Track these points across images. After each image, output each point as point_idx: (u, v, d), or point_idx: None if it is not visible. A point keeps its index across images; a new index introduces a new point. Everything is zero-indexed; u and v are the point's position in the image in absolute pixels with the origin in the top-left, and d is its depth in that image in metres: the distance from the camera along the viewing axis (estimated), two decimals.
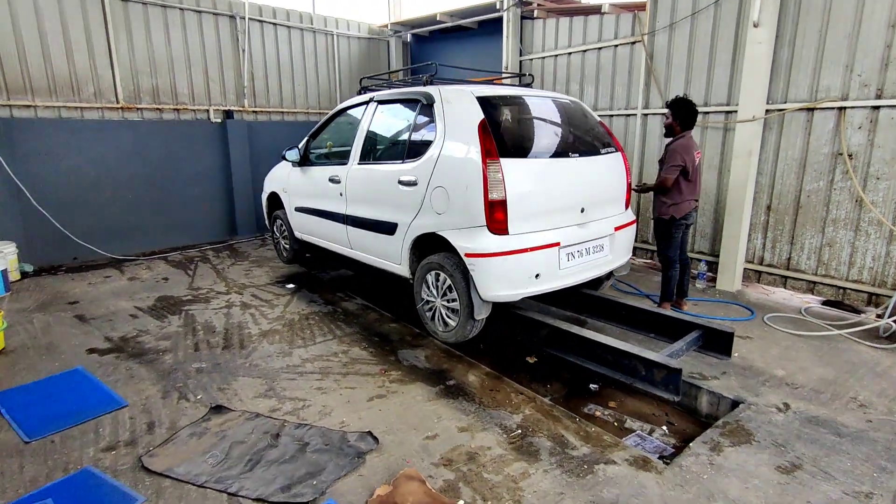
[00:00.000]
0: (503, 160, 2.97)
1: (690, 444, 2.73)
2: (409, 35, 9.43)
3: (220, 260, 6.55)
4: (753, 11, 4.49)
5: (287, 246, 5.39)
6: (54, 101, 6.08)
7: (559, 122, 3.50)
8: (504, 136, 3.06)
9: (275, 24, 7.80)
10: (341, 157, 4.27)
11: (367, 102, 4.07)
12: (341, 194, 4.09)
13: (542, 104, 3.51)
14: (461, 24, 8.18)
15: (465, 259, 3.04)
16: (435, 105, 3.33)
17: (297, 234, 5.08)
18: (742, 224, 4.87)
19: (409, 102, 3.66)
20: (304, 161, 4.73)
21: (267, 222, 5.84)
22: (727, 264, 5.03)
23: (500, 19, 7.66)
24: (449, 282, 3.23)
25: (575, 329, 3.16)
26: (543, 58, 6.81)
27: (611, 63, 6.03)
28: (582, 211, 3.38)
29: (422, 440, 2.73)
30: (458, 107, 3.21)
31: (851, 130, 4.24)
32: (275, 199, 5.52)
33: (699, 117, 5.16)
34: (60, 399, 3.11)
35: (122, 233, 6.66)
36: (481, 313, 3.15)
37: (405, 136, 3.58)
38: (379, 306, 4.84)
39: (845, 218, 4.36)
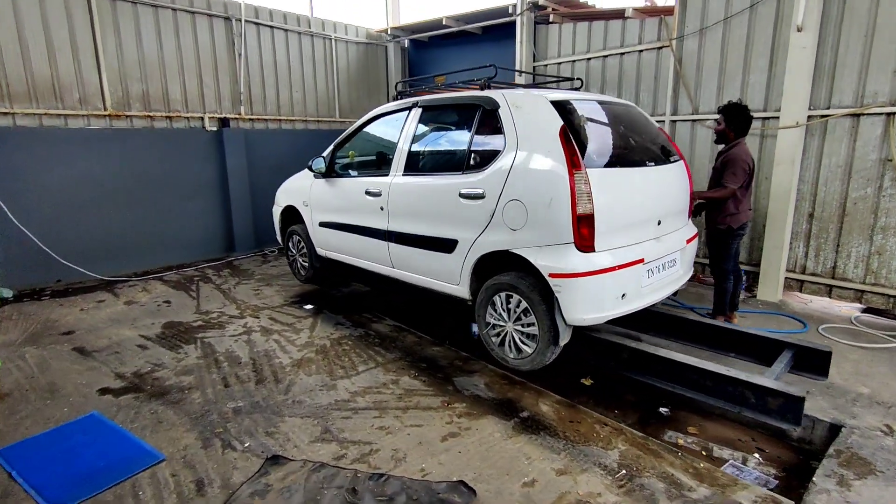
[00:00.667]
0: (588, 170, 2.70)
1: (815, 480, 2.49)
2: (406, 41, 9.14)
3: (222, 279, 6.05)
4: (797, 15, 4.39)
5: (306, 264, 4.97)
6: (35, 108, 5.50)
7: (629, 128, 3.26)
8: (583, 143, 2.79)
9: (272, 26, 7.38)
10: (378, 168, 3.92)
11: (408, 108, 3.73)
12: (382, 208, 3.73)
13: (609, 109, 3.26)
14: (467, 28, 7.94)
15: (549, 280, 2.74)
16: (500, 111, 3.04)
17: (321, 251, 4.68)
18: (785, 233, 4.75)
19: (463, 108, 3.35)
20: (330, 172, 4.34)
21: (279, 238, 5.40)
22: (769, 274, 4.89)
23: (508, 24, 7.46)
24: (524, 304, 2.92)
25: (663, 352, 2.90)
26: (559, 63, 6.63)
27: (635, 68, 5.88)
28: (658, 223, 3.14)
29: (521, 488, 2.41)
30: (532, 113, 2.93)
31: None
32: (291, 214, 5.10)
33: None
34: (81, 454, 2.64)
35: (110, 252, 6.08)
36: (565, 338, 2.86)
37: (463, 145, 3.27)
38: (413, 327, 4.48)
39: (895, 226, 4.28)
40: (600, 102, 3.31)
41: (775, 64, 4.78)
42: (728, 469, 2.92)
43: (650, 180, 3.09)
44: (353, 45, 8.61)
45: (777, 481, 2.80)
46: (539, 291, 2.85)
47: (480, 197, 3.02)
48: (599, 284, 2.71)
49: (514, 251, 2.91)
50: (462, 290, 3.32)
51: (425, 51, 9.21)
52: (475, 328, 4.59)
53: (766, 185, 4.92)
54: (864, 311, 4.72)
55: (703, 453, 3.08)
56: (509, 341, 3.09)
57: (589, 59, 6.31)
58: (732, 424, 3.34)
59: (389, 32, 8.73)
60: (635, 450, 2.71)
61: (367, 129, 4.20)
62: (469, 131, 3.24)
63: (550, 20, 6.62)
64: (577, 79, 4.19)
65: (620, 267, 2.78)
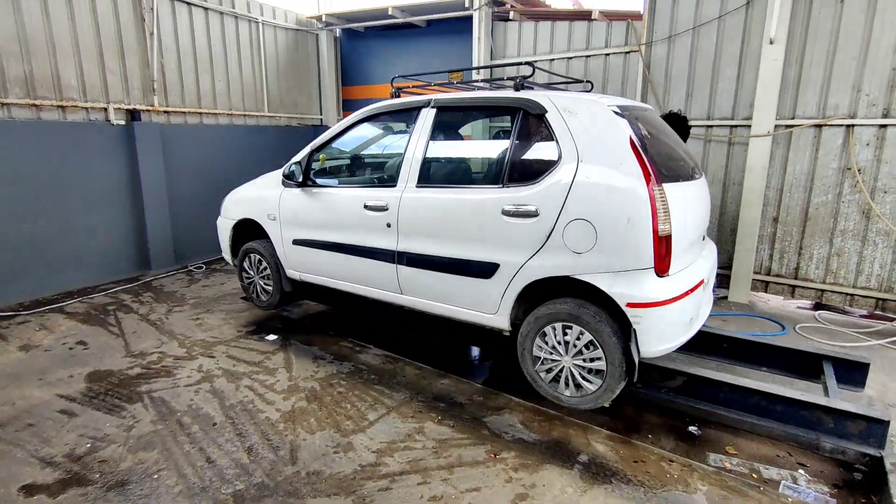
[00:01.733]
0: (665, 185, 2.43)
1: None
2: (338, 30, 8.38)
3: (146, 306, 4.97)
4: (770, 29, 4.55)
5: (269, 288, 4.18)
6: None
7: (669, 137, 3.05)
8: (651, 156, 2.52)
9: (189, 3, 6.26)
10: (379, 178, 3.35)
11: (417, 108, 3.20)
12: (388, 225, 3.17)
13: (644, 116, 3.02)
14: (411, 20, 7.42)
15: (626, 310, 2.43)
16: (549, 117, 2.66)
17: (293, 273, 3.94)
18: (755, 237, 4.95)
19: (497, 111, 2.93)
20: (306, 181, 3.65)
21: (228, 258, 4.52)
22: (740, 276, 5.08)
23: (455, 19, 7.10)
24: (588, 337, 2.58)
25: (729, 378, 2.73)
26: (519, 63, 6.37)
27: (601, 72, 5.82)
28: (703, 239, 2.98)
29: None
30: (590, 120, 2.58)
31: (860, 147, 4.49)
32: (246, 229, 4.27)
33: (702, 130, 5.18)
34: None
35: None
36: (636, 373, 2.56)
37: (500, 154, 2.83)
38: (404, 355, 3.96)
39: (853, 229, 4.62)
40: (633, 108, 3.05)
41: (743, 73, 4.94)
42: (785, 491, 2.85)
43: (697, 195, 2.91)
44: (283, 32, 7.68)
45: (835, 500, 2.78)
46: (608, 322, 2.53)
47: (532, 215, 2.62)
48: (678, 311, 2.46)
49: (577, 277, 2.55)
50: (500, 320, 2.89)
51: (360, 42, 8.52)
52: (475, 353, 4.21)
53: (735, 190, 5.10)
54: (815, 307, 5.09)
55: (753, 476, 2.99)
56: (566, 378, 2.73)
57: (552, 59, 6.15)
58: (762, 440, 3.31)
59: (323, 20, 7.91)
60: (720, 490, 2.51)
61: (356, 130, 3.58)
62: (506, 138, 2.81)
63: (510, 17, 6.35)
64: (588, 81, 3.94)
65: (692, 290, 2.56)
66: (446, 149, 3.16)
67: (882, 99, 4.37)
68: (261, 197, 4.00)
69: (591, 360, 2.62)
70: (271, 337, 4.28)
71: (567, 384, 2.74)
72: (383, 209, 3.18)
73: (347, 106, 8.99)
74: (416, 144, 3.12)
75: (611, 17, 5.77)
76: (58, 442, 2.79)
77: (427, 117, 3.12)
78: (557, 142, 2.61)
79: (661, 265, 2.41)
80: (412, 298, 3.24)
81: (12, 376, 3.53)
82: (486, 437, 2.90)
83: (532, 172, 2.69)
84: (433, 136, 3.11)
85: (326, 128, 8.45)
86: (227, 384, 3.46)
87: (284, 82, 7.80)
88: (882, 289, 4.59)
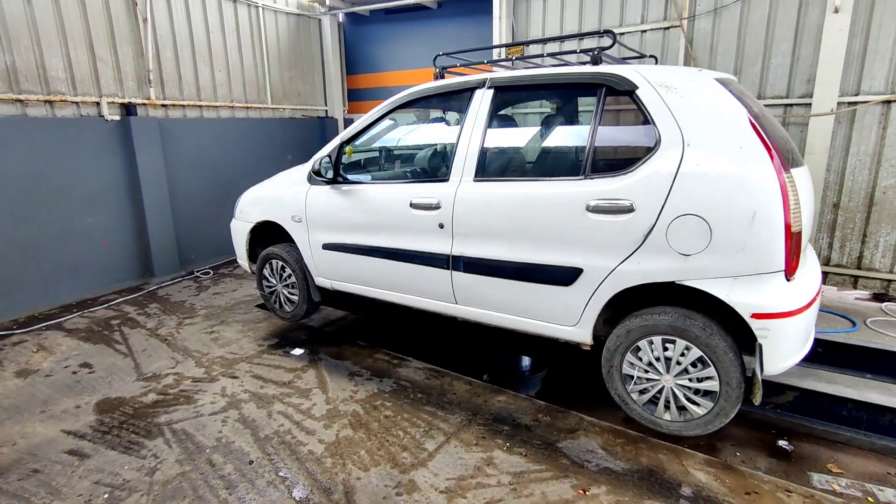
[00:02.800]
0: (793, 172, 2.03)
1: None
2: (341, 14, 7.87)
3: (154, 319, 4.53)
4: None
5: (295, 297, 3.76)
6: None
7: (769, 115, 2.63)
8: (770, 138, 2.11)
9: None
10: (427, 172, 2.93)
11: (470, 89, 2.77)
12: (441, 226, 2.75)
13: (741, 92, 2.59)
14: (423, 1, 6.94)
15: (750, 322, 2.04)
16: (641, 93, 2.24)
17: (323, 281, 3.52)
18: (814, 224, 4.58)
19: (572, 89, 2.52)
20: (336, 177, 3.21)
21: (245, 264, 4.07)
22: None
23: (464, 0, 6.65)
24: (697, 353, 2.19)
25: (853, 393, 2.36)
26: (594, 33, 5.92)
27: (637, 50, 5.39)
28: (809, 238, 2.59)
29: None
30: (695, 96, 2.18)
31: None
32: (266, 232, 3.84)
33: None
34: None
35: None
36: (759, 396, 2.17)
37: (580, 140, 2.44)
38: (449, 368, 3.56)
39: None
40: (728, 80, 2.60)
41: (799, 47, 4.54)
42: None
43: (808, 184, 2.51)
44: (284, 17, 7.16)
45: None
46: (721, 335, 2.13)
47: (627, 210, 2.21)
48: (807, 322, 2.08)
49: (685, 283, 2.15)
50: (580, 333, 2.49)
51: (365, 27, 8.03)
52: (526, 363, 3.81)
53: None
54: (875, 298, 4.74)
55: (869, 500, 2.63)
56: (668, 401, 2.34)
57: (581, 38, 5.70)
58: (864, 454, 2.95)
59: (326, 3, 7.39)
60: None
61: (392, 118, 3.13)
62: (586, 121, 2.39)
63: None
64: (651, 56, 3.51)
65: (817, 296, 2.17)
66: (509, 135, 2.75)
67: None
68: (283, 197, 3.55)
69: (700, 379, 2.23)
70: (297, 351, 3.86)
71: (667, 407, 2.35)
72: (434, 207, 2.75)
73: (353, 96, 8.51)
74: (470, 132, 2.69)
75: None
76: (69, 493, 2.37)
77: (483, 100, 2.69)
78: (654, 123, 2.19)
79: (792, 267, 2.02)
80: (469, 309, 2.83)
81: (11, 409, 3.09)
82: (566, 468, 2.51)
83: (622, 161, 2.28)
84: (491, 122, 2.68)
85: (332, 120, 7.97)
86: (256, 410, 3.04)
87: (287, 72, 7.30)
88: None
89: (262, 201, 3.74)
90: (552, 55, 3.08)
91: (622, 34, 5.44)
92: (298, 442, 2.74)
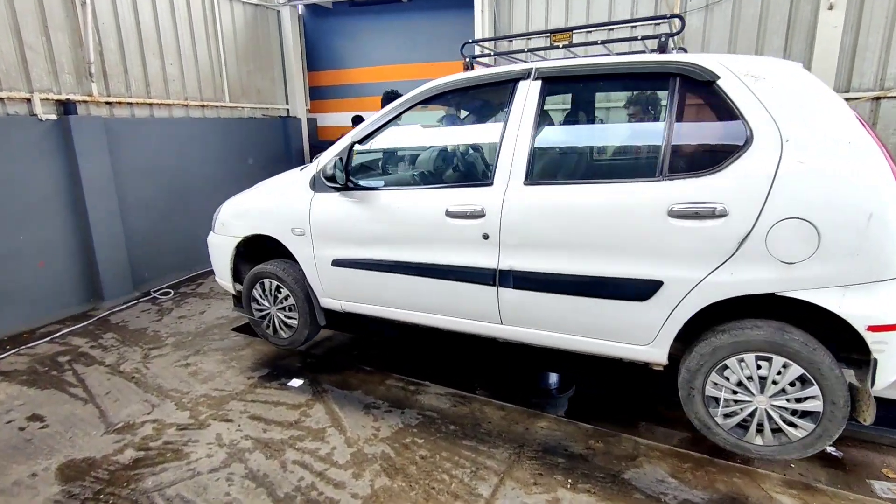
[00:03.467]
0: None
1: None
2: (301, 6, 7.31)
3: (112, 353, 3.86)
4: None
5: (294, 322, 3.27)
6: None
7: None
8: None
9: None
10: (465, 175, 2.58)
11: (514, 81, 2.43)
12: (485, 237, 2.40)
13: None
14: None
15: (866, 335, 1.84)
16: (724, 84, 2.01)
17: (333, 302, 3.06)
18: None
19: (641, 80, 2.25)
20: (347, 182, 2.78)
21: (228, 284, 3.52)
22: None
23: None
24: (799, 371, 1.98)
25: None
26: (510, 38, 5.70)
27: (627, 46, 5.26)
28: None
29: None
30: (788, 86, 1.97)
31: None
32: (255, 247, 3.33)
33: None
34: None
35: None
36: (871, 415, 1.99)
37: (654, 137, 2.17)
38: (471, 390, 3.24)
39: None
40: None
41: (791, 44, 4.56)
42: None
43: None
44: (240, 7, 6.51)
45: None
46: (824, 351, 1.94)
47: (720, 215, 1.96)
48: None
49: (787, 294, 1.93)
50: (654, 353, 2.23)
51: (328, 20, 7.52)
52: (552, 379, 3.54)
53: None
54: None
55: None
56: (761, 424, 2.12)
57: (545, 33, 5.51)
58: None
59: None
60: None
61: (416, 114, 2.74)
62: (661, 115, 2.13)
63: None
64: (680, 48, 3.31)
65: None
66: (563, 133, 2.46)
67: None
68: (279, 206, 3.06)
69: (800, 399, 2.02)
70: (295, 382, 3.38)
71: (759, 431, 2.13)
72: (478, 216, 2.40)
73: (316, 94, 7.96)
74: (517, 129, 2.36)
75: None
76: None
77: (529, 93, 2.37)
78: (743, 116, 1.96)
79: None
80: (519, 330, 2.50)
81: None
82: (639, 502, 2.24)
83: (707, 160, 2.04)
84: (541, 118, 2.36)
85: (294, 119, 7.40)
86: (266, 462, 2.56)
87: (245, 66, 6.65)
88: None
89: (250, 213, 3.23)
90: (606, 42, 2.81)
91: (612, 29, 5.30)
92: (328, 500, 2.30)
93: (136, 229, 5.14)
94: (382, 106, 5.73)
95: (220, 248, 3.40)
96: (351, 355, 4.02)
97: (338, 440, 2.74)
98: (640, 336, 2.23)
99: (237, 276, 3.46)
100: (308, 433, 2.81)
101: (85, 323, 4.42)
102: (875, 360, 1.87)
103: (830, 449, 2.94)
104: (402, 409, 3.05)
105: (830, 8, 4.22)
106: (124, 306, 4.83)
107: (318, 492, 2.35)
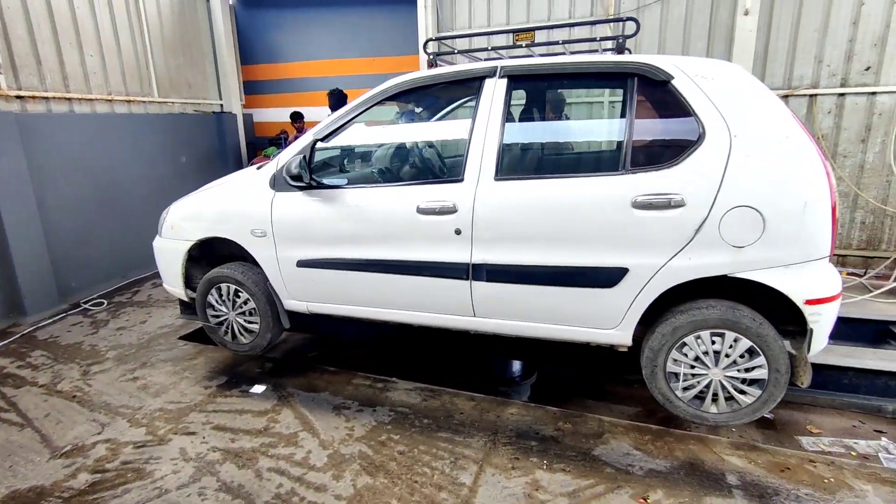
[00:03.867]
0: None
1: None
2: None
3: (44, 372, 3.54)
4: None
5: (255, 326, 3.15)
6: None
7: None
8: None
9: None
10: (433, 171, 2.60)
11: (480, 79, 2.49)
12: (458, 232, 2.45)
13: None
14: None
15: (804, 308, 2.09)
16: (678, 84, 2.18)
17: (300, 304, 2.98)
18: None
19: (601, 79, 2.37)
20: (311, 180, 2.72)
21: (179, 290, 3.32)
22: None
23: None
24: (748, 343, 2.20)
25: (855, 363, 2.58)
26: (471, 36, 5.80)
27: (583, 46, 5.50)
28: None
29: None
30: (733, 86, 2.17)
31: (822, 115, 4.77)
32: (208, 251, 3.17)
33: None
34: None
35: None
36: (808, 379, 2.25)
37: (615, 133, 2.31)
38: (440, 384, 3.29)
39: None
40: None
41: (713, 45, 4.97)
42: (891, 465, 2.82)
43: None
44: None
45: None
46: (769, 325, 2.17)
47: (678, 205, 2.13)
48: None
49: (738, 275, 2.14)
50: (620, 335, 2.39)
51: (262, 11, 7.22)
52: (515, 368, 3.66)
53: None
54: None
55: (852, 454, 2.93)
56: (714, 393, 2.33)
57: (509, 32, 5.66)
58: (828, 412, 3.30)
59: None
60: (881, 486, 2.32)
61: (377, 112, 2.73)
62: (617, 113, 2.27)
63: None
64: (621, 40, 3.43)
65: None
66: (530, 129, 2.53)
67: (841, 69, 4.66)
68: (237, 207, 2.94)
69: (750, 369, 2.25)
70: (258, 388, 3.27)
71: (714, 400, 2.34)
72: (449, 211, 2.44)
73: (251, 88, 7.63)
74: (485, 126, 2.43)
75: None
76: None
77: (496, 90, 2.44)
78: (695, 114, 2.15)
79: (832, 252, 2.11)
80: (492, 321, 2.58)
81: None
82: (615, 477, 2.40)
83: (664, 154, 2.21)
84: (508, 115, 2.44)
85: (230, 115, 7.06)
86: (240, 472, 2.48)
87: (174, 59, 6.25)
88: (841, 245, 4.99)
89: (204, 215, 3.06)
90: (567, 42, 2.92)
91: (551, 27, 5.50)
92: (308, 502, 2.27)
93: (59, 234, 4.71)
94: (329, 105, 5.65)
95: (170, 253, 3.21)
96: (310, 357, 3.94)
97: (312, 443, 2.70)
98: (607, 320, 2.38)
99: (189, 282, 3.28)
100: (280, 439, 2.74)
101: (6, 341, 4.01)
102: (811, 330, 2.13)
103: (768, 414, 3.28)
104: (373, 407, 3.04)
105: (746, 13, 4.64)
106: (51, 320, 4.42)
107: (300, 497, 2.31)
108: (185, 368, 3.55)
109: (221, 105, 7.13)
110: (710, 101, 2.13)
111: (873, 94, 4.61)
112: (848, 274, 4.95)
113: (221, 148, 6.97)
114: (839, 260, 5.05)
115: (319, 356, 4.04)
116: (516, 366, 3.60)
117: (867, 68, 4.59)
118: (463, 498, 2.28)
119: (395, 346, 4.12)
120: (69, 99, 4.90)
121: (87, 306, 4.72)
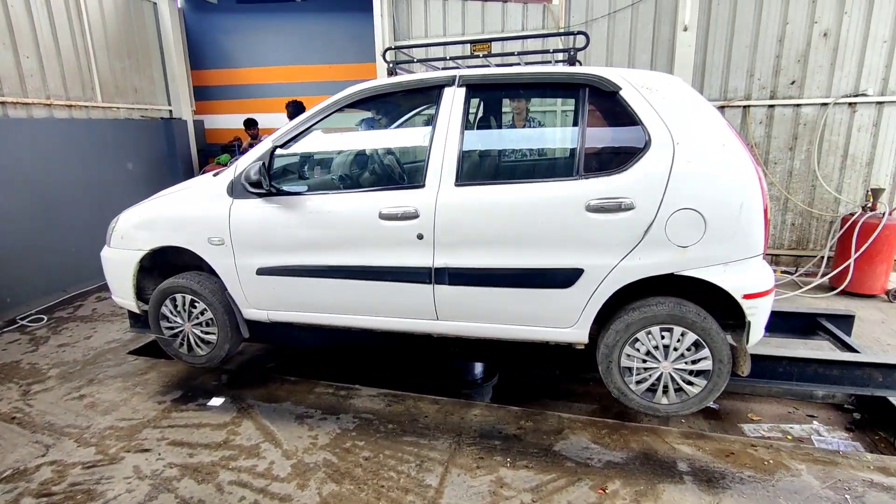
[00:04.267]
0: None
1: None
2: (180, 0, 6.80)
3: None
4: (684, 16, 4.89)
5: (213, 338, 3.07)
6: None
7: None
8: None
9: None
10: (394, 177, 2.63)
11: (439, 87, 2.55)
12: (420, 237, 2.49)
13: None
14: None
15: (742, 302, 2.25)
16: (625, 94, 2.32)
17: (260, 313, 2.92)
18: None
19: (553, 89, 2.50)
20: (270, 190, 2.70)
21: (131, 302, 3.19)
22: None
23: None
24: (693, 337, 2.35)
25: (787, 352, 2.80)
26: (428, 45, 5.90)
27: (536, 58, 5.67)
28: None
29: None
30: (675, 97, 2.32)
31: (755, 125, 5.14)
32: (161, 260, 3.07)
33: None
34: None
35: None
36: (747, 368, 2.42)
37: (568, 141, 2.43)
38: (404, 389, 3.31)
39: None
40: None
41: (656, 59, 5.26)
42: (821, 446, 3.07)
43: None
44: None
45: (858, 443, 3.07)
46: (712, 319, 2.34)
47: (628, 208, 2.26)
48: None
49: (683, 273, 2.29)
50: (576, 333, 2.49)
51: (212, 16, 7.06)
52: (477, 370, 3.73)
53: None
54: None
55: (788, 438, 3.16)
56: (664, 385, 2.47)
57: (464, 42, 5.79)
58: (766, 400, 3.56)
59: None
60: (813, 465, 2.53)
61: (337, 119, 2.74)
62: (573, 122, 2.39)
63: None
64: (573, 52, 3.56)
65: None
66: (489, 136, 2.60)
67: (770, 83, 5.04)
68: (192, 215, 2.86)
69: (696, 361, 2.40)
70: (216, 401, 3.18)
71: (665, 392, 2.48)
72: (411, 217, 2.48)
73: (202, 94, 7.42)
74: (445, 134, 2.49)
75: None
76: None
77: (454, 99, 2.51)
78: (642, 123, 2.29)
79: (766, 250, 2.30)
80: (454, 324, 2.63)
81: None
82: (575, 471, 2.50)
83: (614, 160, 2.34)
84: (467, 123, 2.52)
85: (180, 121, 6.85)
86: (199, 487, 2.41)
87: (119, 62, 6.01)
88: (774, 245, 5.37)
89: (157, 223, 2.96)
90: (522, 54, 3.03)
91: (504, 39, 5.67)
92: None
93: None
94: (288, 115, 5.57)
95: (120, 264, 3.08)
96: (269, 368, 3.88)
97: (275, 454, 2.65)
98: (565, 319, 2.48)
99: (140, 294, 3.16)
100: (240, 451, 2.68)
101: None
102: (749, 323, 2.30)
103: (712, 405, 3.49)
104: (336, 414, 3.02)
105: (685, 29, 4.95)
106: None
107: None
108: (137, 384, 3.41)
109: (171, 111, 6.89)
110: (655, 110, 2.29)
111: (798, 105, 5.02)
112: (781, 272, 5.33)
113: (171, 155, 6.74)
114: (773, 259, 5.43)
115: (278, 366, 3.97)
116: (479, 368, 3.66)
117: (792, 82, 4.99)
118: (429, 499, 2.31)
119: (356, 354, 4.10)
120: (2, 103, 4.63)
121: (24, 323, 4.44)
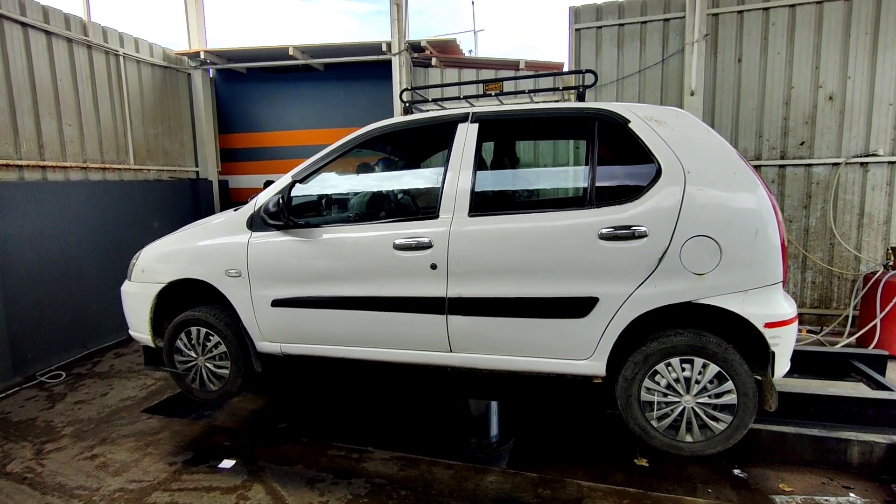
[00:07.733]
0: None
1: None
2: (212, 70, 7.28)
3: None
4: (691, 81, 5.08)
5: (226, 372, 3.08)
6: None
7: None
8: None
9: (24, 23, 4.74)
10: (408, 210, 2.75)
11: (453, 123, 2.69)
12: (433, 266, 2.53)
13: None
14: (311, 63, 6.77)
15: (764, 331, 2.23)
16: (634, 127, 2.42)
17: (273, 346, 2.93)
18: None
19: (563, 124, 2.60)
20: (287, 221, 2.81)
21: (147, 336, 3.21)
22: None
23: (357, 64, 6.71)
24: (715, 369, 2.31)
25: (818, 390, 2.71)
26: (444, 86, 6.15)
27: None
28: None
29: None
30: (684, 130, 2.41)
31: (767, 183, 5.18)
32: (178, 294, 3.16)
33: None
34: None
35: None
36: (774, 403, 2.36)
37: (579, 173, 2.51)
38: (417, 452, 3.23)
39: None
40: None
41: None
42: None
43: None
44: (149, 68, 6.33)
45: None
46: (734, 350, 2.31)
47: (641, 236, 2.30)
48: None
49: (701, 302, 2.28)
50: (593, 366, 2.46)
51: (241, 84, 7.51)
52: (494, 431, 3.62)
53: None
54: None
55: None
56: (687, 421, 2.39)
57: (478, 82, 6.06)
58: (801, 469, 3.38)
59: (201, 56, 6.76)
60: None
61: (352, 153, 2.90)
62: (581, 154, 2.48)
63: (432, 63, 6.15)
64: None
65: None
66: (502, 170, 2.70)
67: (779, 143, 5.13)
68: (211, 247, 2.96)
69: (720, 394, 2.34)
70: (227, 463, 3.13)
71: (689, 429, 2.40)
72: (425, 247, 2.54)
73: (228, 156, 7.78)
74: (458, 167, 2.60)
75: (536, 67, 5.93)
76: None
77: (468, 135, 2.64)
78: (652, 154, 2.37)
79: (785, 277, 2.29)
80: (468, 356, 2.61)
81: None
82: None
83: (625, 190, 2.41)
84: (480, 156, 2.64)
85: (205, 182, 7.16)
86: None
87: (152, 128, 6.38)
88: (796, 303, 5.26)
89: (176, 256, 3.06)
90: (532, 92, 3.18)
91: (517, 79, 5.89)
92: None
93: (19, 304, 4.55)
94: None
95: (139, 297, 3.16)
96: (281, 428, 3.83)
97: None
98: (581, 351, 2.45)
99: (157, 329, 3.22)
100: None
101: None
102: (773, 353, 2.26)
103: (736, 471, 3.33)
104: (348, 479, 2.95)
105: (692, 94, 5.13)
106: (3, 395, 4.17)
107: None
108: (149, 444, 3.39)
109: (198, 172, 7.22)
110: (664, 140, 2.36)
111: (809, 165, 5.08)
112: (807, 331, 5.19)
113: (195, 212, 6.98)
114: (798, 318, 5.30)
115: (291, 426, 3.93)
116: (494, 430, 3.56)
117: (802, 143, 5.08)
118: None
119: (368, 408, 4.04)
120: (43, 167, 4.91)
121: (43, 378, 4.49)
